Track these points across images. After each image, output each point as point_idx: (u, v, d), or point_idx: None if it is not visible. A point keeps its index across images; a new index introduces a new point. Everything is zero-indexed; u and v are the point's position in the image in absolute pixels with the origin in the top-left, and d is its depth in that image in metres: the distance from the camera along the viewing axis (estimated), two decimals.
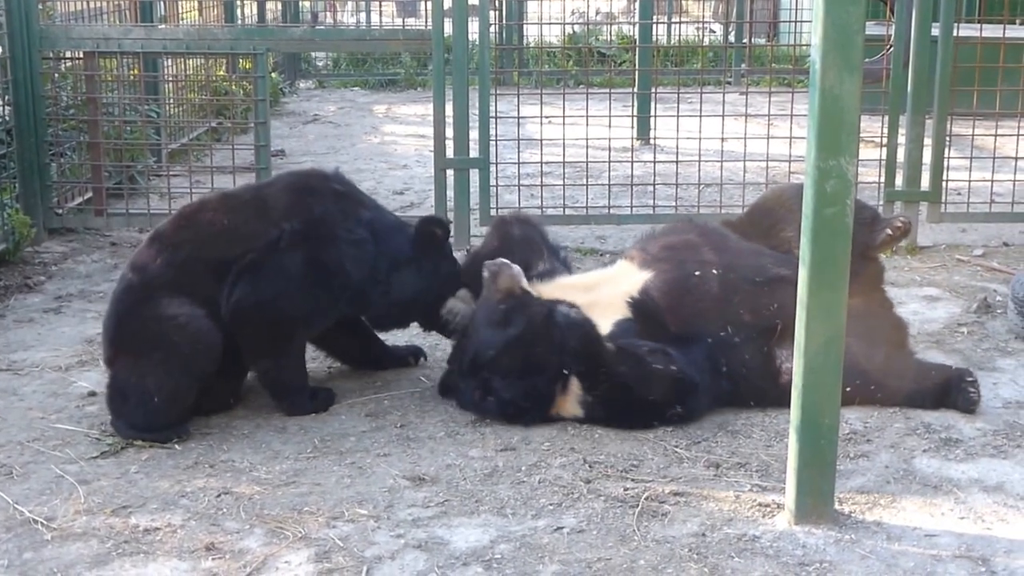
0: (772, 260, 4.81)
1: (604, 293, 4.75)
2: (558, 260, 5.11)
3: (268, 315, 4.54)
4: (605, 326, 4.58)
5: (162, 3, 10.15)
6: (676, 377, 4.42)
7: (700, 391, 4.50)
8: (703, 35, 14.07)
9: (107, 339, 4.59)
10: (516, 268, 4.65)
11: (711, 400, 4.58)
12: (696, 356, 4.55)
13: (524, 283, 4.66)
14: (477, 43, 7.16)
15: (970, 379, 4.64)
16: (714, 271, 4.69)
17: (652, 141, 8.82)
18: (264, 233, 4.56)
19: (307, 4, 16.17)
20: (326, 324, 4.82)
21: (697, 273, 4.69)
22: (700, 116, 7.31)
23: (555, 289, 4.80)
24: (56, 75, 7.62)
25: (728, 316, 4.62)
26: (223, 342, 4.48)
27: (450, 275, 4.96)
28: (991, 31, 8.08)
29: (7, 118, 7.08)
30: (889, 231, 4.95)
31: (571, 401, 4.51)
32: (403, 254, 4.80)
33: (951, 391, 4.62)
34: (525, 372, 4.49)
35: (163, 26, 9.18)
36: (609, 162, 7.50)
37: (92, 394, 4.80)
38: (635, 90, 9.16)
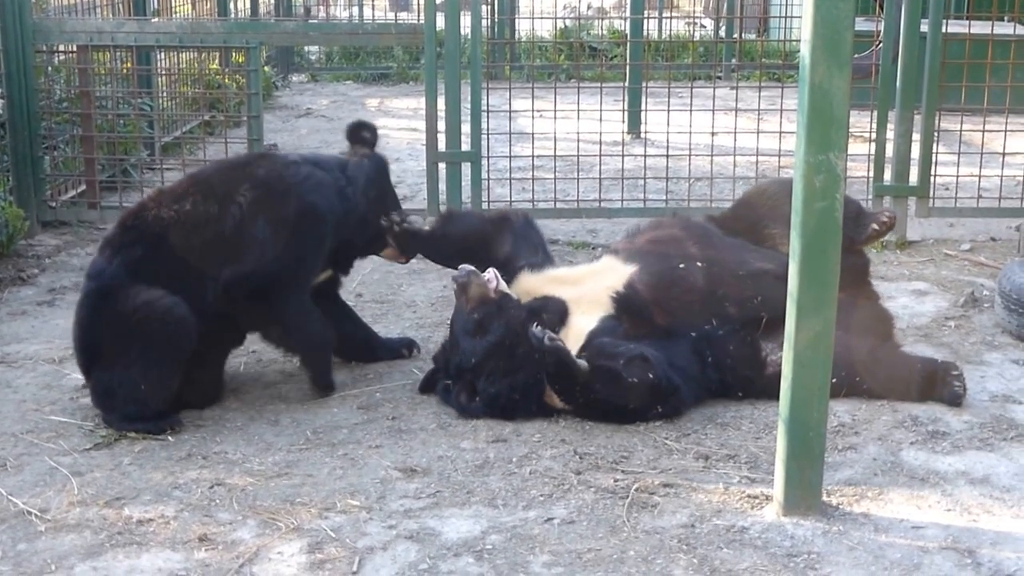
0: (755, 254, 4.83)
1: (589, 287, 4.77)
2: (548, 260, 5.12)
3: (258, 282, 4.54)
4: (590, 322, 4.61)
5: None
6: (653, 384, 4.42)
7: (681, 391, 4.52)
8: (694, 30, 14.09)
9: (79, 349, 4.61)
10: (486, 275, 4.65)
11: (699, 392, 4.61)
12: (681, 350, 4.58)
13: (501, 286, 4.66)
14: (469, 37, 7.18)
15: (956, 372, 4.66)
16: (698, 264, 4.71)
17: (643, 135, 8.81)
18: (224, 214, 4.55)
19: None
20: (318, 268, 4.83)
21: (681, 266, 4.71)
22: (690, 110, 7.34)
23: (543, 281, 4.85)
24: (49, 69, 7.61)
25: (713, 308, 4.65)
26: (196, 323, 4.46)
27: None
28: (979, 27, 8.11)
29: (0, 112, 7.08)
30: (875, 225, 4.97)
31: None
32: (338, 162, 4.96)
33: (938, 384, 4.64)
34: (509, 372, 4.51)
35: (156, 20, 9.16)
36: (600, 156, 7.53)
37: (86, 386, 4.79)
38: (626, 84, 9.16)
